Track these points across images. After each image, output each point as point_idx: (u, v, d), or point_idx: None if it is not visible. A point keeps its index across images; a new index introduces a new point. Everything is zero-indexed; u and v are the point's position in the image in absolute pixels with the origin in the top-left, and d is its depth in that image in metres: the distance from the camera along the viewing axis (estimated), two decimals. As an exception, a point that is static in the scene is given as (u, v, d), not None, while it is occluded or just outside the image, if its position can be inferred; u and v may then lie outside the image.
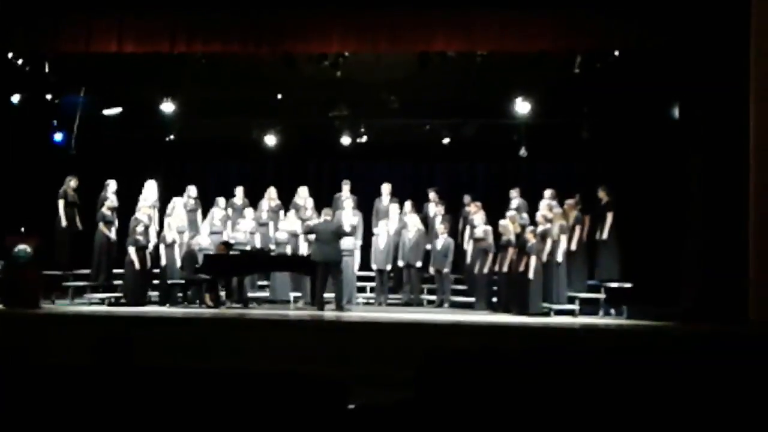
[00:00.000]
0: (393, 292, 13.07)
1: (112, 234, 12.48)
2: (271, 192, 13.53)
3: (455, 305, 12.41)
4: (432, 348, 5.01)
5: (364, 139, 14.14)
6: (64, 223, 12.35)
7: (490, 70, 11.47)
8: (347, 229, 12.19)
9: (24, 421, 4.11)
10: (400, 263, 12.78)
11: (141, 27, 10.96)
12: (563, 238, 11.39)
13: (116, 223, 12.66)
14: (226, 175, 15.11)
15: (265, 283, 13.01)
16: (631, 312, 10.86)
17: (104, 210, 12.43)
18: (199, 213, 13.37)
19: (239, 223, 12.93)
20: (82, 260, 12.40)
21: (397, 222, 12.97)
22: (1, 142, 12.20)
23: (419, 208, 13.33)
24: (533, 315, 10.85)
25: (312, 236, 11.98)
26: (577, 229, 11.72)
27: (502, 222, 11.85)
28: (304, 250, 12.66)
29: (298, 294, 12.39)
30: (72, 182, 12.53)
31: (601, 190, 11.91)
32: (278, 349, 9.13)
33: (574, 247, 11.59)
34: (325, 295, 11.70)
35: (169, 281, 12.07)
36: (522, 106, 12.48)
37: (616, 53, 10.81)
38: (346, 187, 13.52)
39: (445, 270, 12.45)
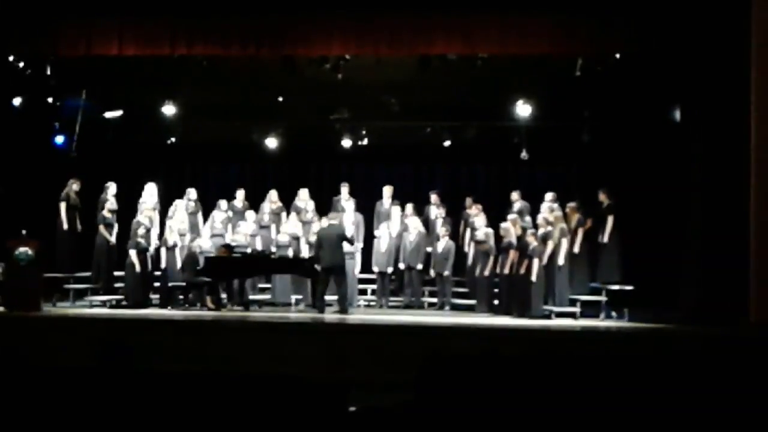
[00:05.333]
0: (394, 295, 13.04)
1: (112, 237, 12.48)
2: (272, 195, 13.52)
3: (456, 308, 12.40)
4: (432, 351, 5.01)
5: (365, 141, 14.13)
6: (65, 225, 12.36)
7: (491, 72, 11.45)
8: (348, 234, 12.15)
9: (25, 423, 4.11)
10: (401, 266, 12.76)
11: (141, 30, 10.99)
12: (564, 241, 11.39)
13: (116, 225, 12.66)
14: (227, 177, 15.12)
15: (266, 285, 13.00)
16: (633, 314, 10.86)
17: (104, 213, 12.43)
18: (200, 215, 13.36)
19: (240, 226, 12.91)
20: (84, 263, 12.39)
21: (399, 224, 12.96)
22: (2, 145, 12.20)
23: (420, 210, 13.32)
24: (534, 317, 10.85)
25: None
26: (579, 231, 11.73)
27: (503, 224, 11.84)
28: (305, 252, 12.66)
29: (299, 297, 12.37)
30: (75, 185, 12.53)
31: (602, 193, 11.91)
32: (279, 351, 9.14)
33: (576, 249, 11.60)
34: (327, 297, 11.70)
35: (170, 284, 12.02)
36: (523, 109, 12.46)
37: (617, 56, 10.80)
38: (344, 189, 13.49)
39: (446, 272, 12.43)
